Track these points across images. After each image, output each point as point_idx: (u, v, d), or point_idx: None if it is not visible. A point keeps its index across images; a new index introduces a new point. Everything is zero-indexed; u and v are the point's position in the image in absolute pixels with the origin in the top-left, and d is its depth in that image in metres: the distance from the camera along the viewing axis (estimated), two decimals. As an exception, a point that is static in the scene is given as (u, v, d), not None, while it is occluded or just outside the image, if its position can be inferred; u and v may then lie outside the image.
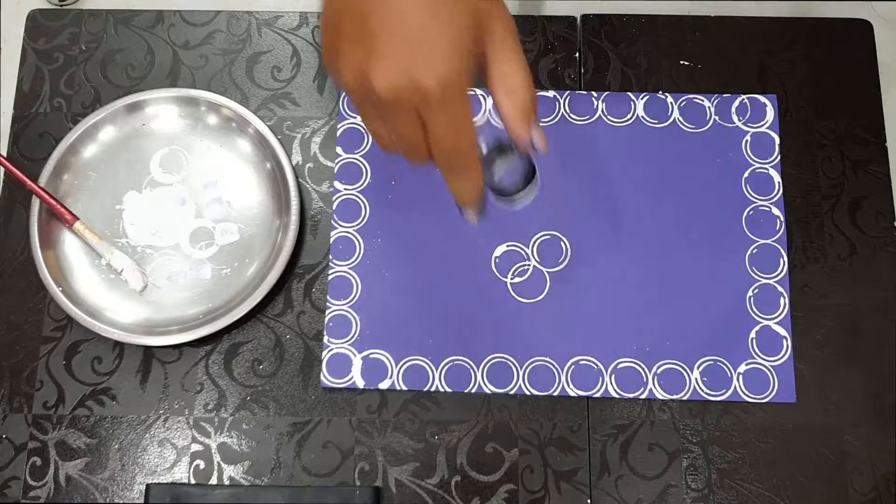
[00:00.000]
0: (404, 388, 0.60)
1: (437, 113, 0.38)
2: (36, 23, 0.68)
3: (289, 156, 0.64)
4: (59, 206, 0.62)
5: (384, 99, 0.38)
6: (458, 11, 0.38)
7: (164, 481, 0.59)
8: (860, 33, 0.67)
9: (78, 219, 0.62)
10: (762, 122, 0.65)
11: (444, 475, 0.59)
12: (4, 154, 0.65)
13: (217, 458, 0.59)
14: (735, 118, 0.65)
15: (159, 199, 0.64)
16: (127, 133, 0.65)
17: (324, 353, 0.60)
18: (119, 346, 0.61)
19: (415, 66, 0.37)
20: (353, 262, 0.62)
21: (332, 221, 0.63)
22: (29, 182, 0.61)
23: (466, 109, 0.39)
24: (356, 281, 0.62)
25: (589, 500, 0.58)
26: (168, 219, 0.63)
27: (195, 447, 0.59)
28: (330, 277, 0.62)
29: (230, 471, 0.59)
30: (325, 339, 0.61)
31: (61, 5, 0.69)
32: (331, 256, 0.62)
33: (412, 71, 0.37)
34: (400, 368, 0.60)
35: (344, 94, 0.65)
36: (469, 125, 0.40)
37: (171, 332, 0.60)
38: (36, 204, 0.62)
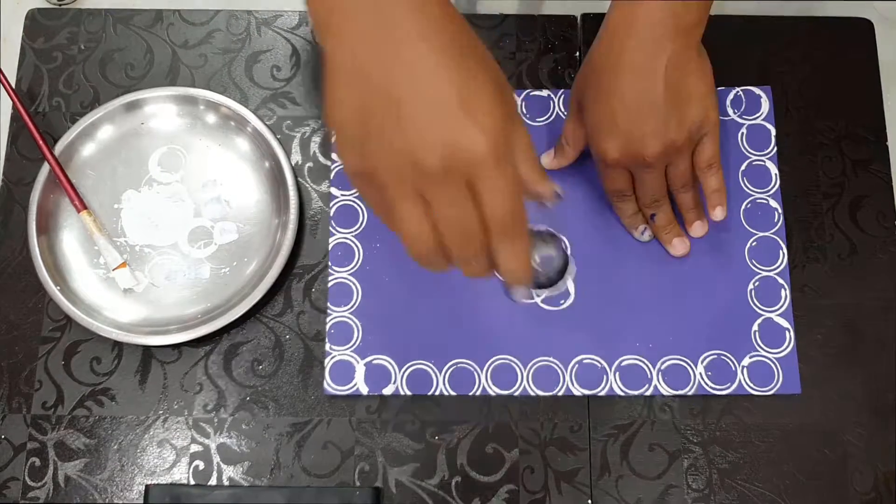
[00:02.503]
0: (408, 393, 0.59)
1: (490, 177, 0.38)
2: (35, 22, 0.68)
3: (288, 155, 0.64)
4: (71, 190, 0.62)
5: (435, 174, 0.37)
6: (485, 78, 0.38)
7: (164, 482, 0.59)
8: (861, 33, 0.67)
9: (86, 208, 0.62)
10: (757, 114, 0.65)
11: (445, 476, 0.58)
12: (4, 154, 0.65)
13: (216, 458, 0.59)
14: (730, 111, 0.65)
15: (158, 198, 0.64)
16: (125, 132, 0.65)
17: (326, 360, 0.60)
18: (118, 346, 0.61)
19: (463, 132, 0.37)
20: (352, 268, 0.62)
21: (330, 228, 0.63)
22: (49, 156, 0.61)
23: (517, 172, 0.39)
24: (356, 287, 0.62)
25: (590, 501, 0.58)
26: (166, 218, 0.63)
27: (194, 447, 0.59)
28: (330, 284, 0.62)
29: (230, 471, 0.59)
30: (327, 346, 0.60)
31: (60, 4, 0.69)
32: (330, 263, 0.62)
33: (460, 139, 0.37)
34: (403, 373, 0.60)
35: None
36: (521, 189, 0.40)
37: (169, 331, 0.60)
38: (35, 204, 0.62)
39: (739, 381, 0.59)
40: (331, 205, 0.63)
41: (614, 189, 0.60)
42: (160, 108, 0.65)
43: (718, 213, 0.60)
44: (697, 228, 0.61)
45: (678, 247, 0.61)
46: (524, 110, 0.65)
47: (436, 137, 0.37)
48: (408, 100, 0.37)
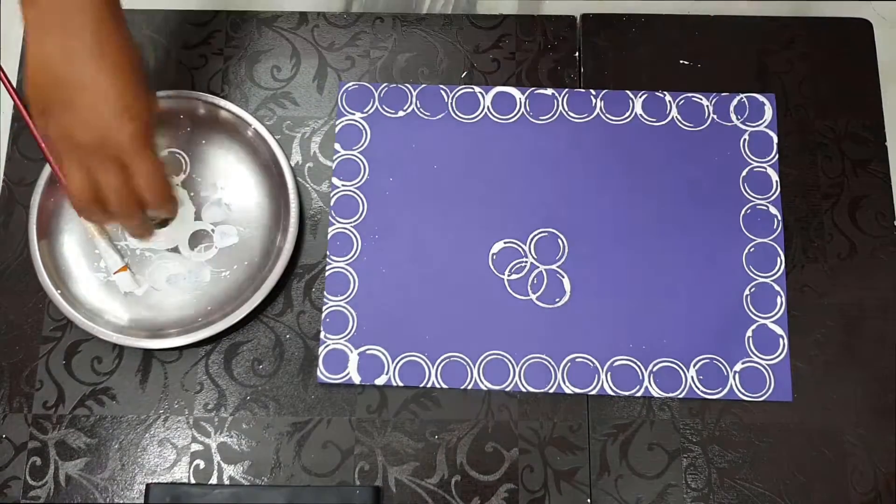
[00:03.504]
0: (400, 384, 0.60)
1: (135, 160, 0.51)
2: (35, 23, 0.68)
3: (288, 158, 0.64)
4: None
5: (91, 148, 0.50)
6: (139, 88, 0.52)
7: (164, 481, 0.59)
8: (860, 33, 0.67)
9: None
10: (760, 121, 0.65)
11: (444, 475, 0.59)
12: (4, 154, 0.65)
13: (217, 457, 0.59)
14: (733, 117, 0.65)
15: (159, 200, 0.64)
16: (126, 133, 0.65)
17: (320, 348, 0.61)
18: (119, 346, 0.61)
19: (116, 127, 0.50)
20: (350, 258, 0.62)
21: (330, 217, 0.63)
22: (50, 157, 0.61)
23: (156, 158, 0.53)
24: (353, 277, 0.62)
25: (589, 500, 0.58)
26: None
27: (195, 447, 0.59)
28: (327, 273, 0.62)
29: (230, 470, 0.59)
30: (322, 334, 0.61)
31: (61, 5, 0.69)
32: (328, 252, 0.62)
33: (112, 129, 0.50)
34: (396, 365, 0.60)
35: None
36: (161, 169, 0.53)
37: (170, 334, 0.60)
38: (36, 207, 0.62)
39: (731, 386, 0.60)
40: (331, 195, 0.64)
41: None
42: (160, 112, 0.65)
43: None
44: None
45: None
46: (528, 108, 0.65)
47: (95, 124, 0.50)
48: (80, 95, 0.50)
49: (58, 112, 0.50)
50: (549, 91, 0.66)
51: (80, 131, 0.50)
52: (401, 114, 0.66)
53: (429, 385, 0.60)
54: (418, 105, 0.66)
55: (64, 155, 0.52)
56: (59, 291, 0.60)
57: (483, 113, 0.65)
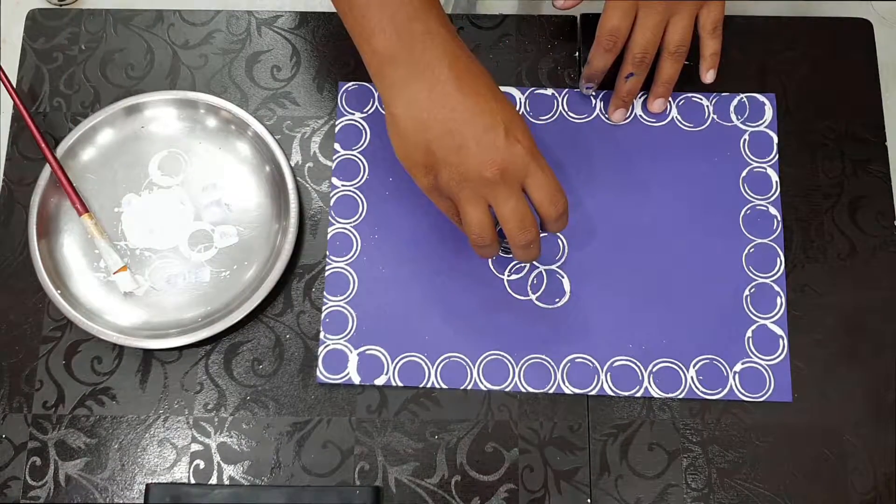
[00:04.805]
0: (400, 384, 0.60)
1: (535, 174, 0.52)
2: (35, 22, 0.68)
3: (288, 158, 0.64)
4: (72, 193, 0.62)
5: (495, 181, 0.51)
6: (511, 108, 0.52)
7: (164, 481, 0.59)
8: (860, 33, 0.67)
9: (88, 211, 0.62)
10: (760, 121, 0.65)
11: (444, 475, 0.59)
12: (4, 154, 0.65)
13: (217, 457, 0.59)
14: (733, 117, 0.65)
15: (158, 202, 0.64)
16: (126, 136, 0.65)
17: (320, 348, 0.61)
18: (119, 346, 0.61)
19: (509, 150, 0.50)
20: (350, 258, 0.62)
21: (330, 217, 0.63)
22: (50, 156, 0.61)
23: (549, 167, 0.53)
24: (353, 277, 0.62)
25: (589, 500, 0.58)
26: (167, 221, 0.63)
27: (195, 447, 0.59)
28: (327, 273, 0.62)
29: (230, 470, 0.59)
30: (322, 334, 0.61)
31: (61, 5, 0.69)
32: (328, 252, 0.63)
33: (508, 154, 0.51)
34: (396, 365, 0.60)
35: (343, 101, 0.66)
36: (555, 178, 0.53)
37: (170, 335, 0.60)
38: (36, 208, 0.62)
39: (731, 386, 0.60)
40: (331, 195, 0.64)
41: (610, 26, 0.61)
42: (160, 112, 0.65)
43: (710, 76, 0.64)
44: (660, 104, 0.65)
45: (619, 115, 0.65)
46: (528, 108, 0.65)
47: (492, 157, 0.50)
48: (464, 135, 0.50)
49: (449, 159, 0.51)
50: (549, 91, 0.66)
51: (481, 169, 0.50)
52: (401, 114, 0.65)
53: (429, 385, 0.60)
54: (418, 105, 0.66)
55: (461, 197, 0.52)
56: (58, 291, 0.60)
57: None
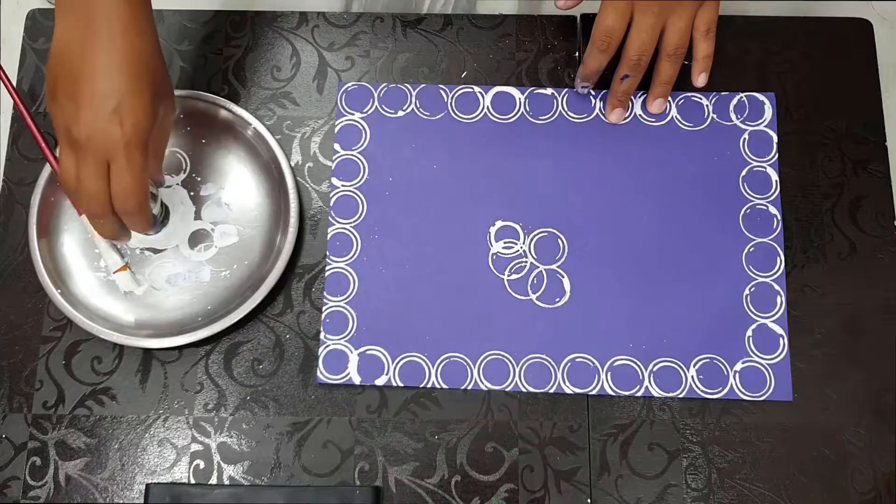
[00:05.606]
0: (400, 384, 0.60)
1: (119, 161, 0.51)
2: (35, 22, 0.68)
3: (288, 157, 0.64)
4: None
5: (80, 143, 0.51)
6: (147, 91, 0.52)
7: (164, 481, 0.59)
8: (860, 33, 0.67)
9: None
10: (760, 121, 0.65)
11: (444, 475, 0.59)
12: (4, 154, 0.65)
13: (217, 457, 0.59)
14: (733, 116, 0.65)
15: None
16: (126, 133, 0.65)
17: (320, 348, 0.61)
18: (119, 346, 0.61)
19: (106, 126, 0.50)
20: (350, 258, 0.62)
21: (330, 217, 0.63)
22: (51, 156, 0.61)
23: (144, 162, 0.52)
24: (353, 277, 0.62)
25: (589, 500, 0.58)
26: (167, 221, 0.63)
27: (195, 447, 0.59)
28: (327, 274, 0.62)
29: (230, 470, 0.59)
30: (322, 335, 0.61)
31: (61, 5, 0.69)
32: (328, 252, 0.63)
33: (102, 129, 0.50)
34: (396, 365, 0.60)
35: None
36: (144, 174, 0.52)
37: (170, 334, 0.60)
38: (36, 207, 0.62)
39: (731, 385, 0.60)
40: (331, 195, 0.64)
41: (605, 27, 0.61)
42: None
43: (702, 80, 0.64)
44: (659, 104, 0.65)
45: (617, 115, 0.65)
46: (527, 108, 0.65)
47: (89, 121, 0.50)
48: (83, 88, 0.50)
49: (63, 101, 0.51)
50: (549, 91, 0.66)
51: (76, 126, 0.50)
52: (400, 114, 0.66)
53: (429, 385, 0.60)
54: (418, 105, 0.66)
55: (60, 143, 0.53)
56: (58, 291, 0.60)
57: (483, 113, 0.65)
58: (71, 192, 0.53)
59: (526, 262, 0.62)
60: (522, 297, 0.62)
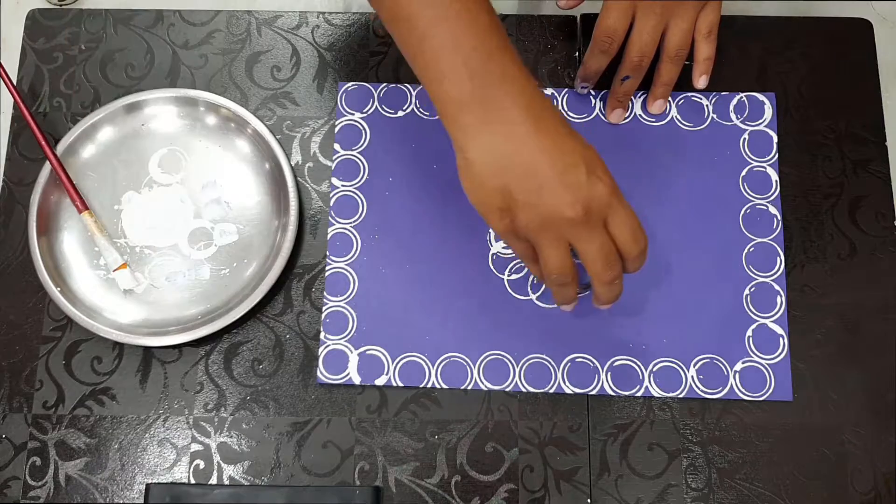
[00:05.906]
0: (401, 384, 0.60)
1: (617, 211, 0.50)
2: (35, 22, 0.68)
3: (288, 156, 0.64)
4: (72, 190, 0.62)
5: (579, 221, 0.49)
6: (586, 145, 0.51)
7: (164, 481, 0.59)
8: (860, 33, 0.67)
9: (88, 209, 0.62)
10: (760, 121, 0.65)
11: (444, 475, 0.59)
12: (4, 154, 0.65)
13: (217, 457, 0.59)
14: (733, 116, 0.65)
15: (158, 200, 0.64)
16: (126, 133, 0.65)
17: (320, 349, 0.61)
18: (119, 345, 0.61)
19: (592, 188, 0.49)
20: (350, 258, 0.62)
21: (330, 217, 0.63)
22: (51, 155, 0.61)
23: (629, 205, 0.52)
24: (353, 277, 0.62)
25: (589, 500, 0.58)
26: (167, 219, 0.63)
27: (195, 447, 0.59)
28: (327, 274, 0.62)
29: (230, 470, 0.59)
30: (322, 335, 0.61)
31: (60, 5, 0.69)
32: (328, 252, 0.63)
33: (592, 192, 0.49)
34: (396, 365, 0.60)
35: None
36: (636, 217, 0.52)
37: (169, 332, 0.60)
38: (36, 205, 0.62)
39: (731, 385, 0.60)
40: (331, 195, 0.64)
41: (607, 27, 0.60)
42: (160, 110, 0.65)
43: (703, 81, 0.63)
44: (660, 105, 0.65)
45: (617, 116, 0.65)
46: None
47: (576, 195, 0.49)
48: (545, 175, 0.49)
49: (530, 201, 0.49)
50: (549, 91, 0.66)
51: (564, 209, 0.49)
52: (400, 114, 0.66)
53: (429, 385, 0.60)
54: (418, 105, 0.66)
55: (541, 239, 0.50)
56: (58, 289, 0.60)
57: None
58: (572, 278, 0.52)
59: (526, 261, 0.62)
60: (522, 297, 0.62)
